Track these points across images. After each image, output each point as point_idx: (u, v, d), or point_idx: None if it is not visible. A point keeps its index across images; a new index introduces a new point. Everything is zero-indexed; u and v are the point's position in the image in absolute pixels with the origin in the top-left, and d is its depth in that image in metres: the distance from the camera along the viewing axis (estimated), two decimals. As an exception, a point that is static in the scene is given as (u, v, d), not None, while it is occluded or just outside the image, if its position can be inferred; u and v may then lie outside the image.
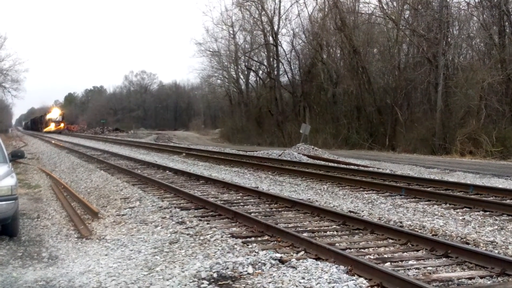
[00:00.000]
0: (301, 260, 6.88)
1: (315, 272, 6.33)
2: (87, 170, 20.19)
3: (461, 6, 37.22)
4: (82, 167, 21.55)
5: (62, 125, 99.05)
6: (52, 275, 7.01)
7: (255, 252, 7.46)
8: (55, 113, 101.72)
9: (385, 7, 41.16)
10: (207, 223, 9.64)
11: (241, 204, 12.04)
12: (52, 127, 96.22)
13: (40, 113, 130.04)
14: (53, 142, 48.65)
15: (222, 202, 12.07)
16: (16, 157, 11.17)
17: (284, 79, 55.69)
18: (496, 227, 9.20)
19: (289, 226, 9.54)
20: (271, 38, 53.95)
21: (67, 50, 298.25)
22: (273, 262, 6.88)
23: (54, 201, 13.92)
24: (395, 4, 41.33)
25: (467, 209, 11.01)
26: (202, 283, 6.26)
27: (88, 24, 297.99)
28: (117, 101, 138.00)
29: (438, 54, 34.40)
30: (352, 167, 20.20)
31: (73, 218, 11.02)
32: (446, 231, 8.75)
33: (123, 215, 11.07)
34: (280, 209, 11.30)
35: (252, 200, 12.60)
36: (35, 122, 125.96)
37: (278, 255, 7.15)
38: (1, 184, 8.75)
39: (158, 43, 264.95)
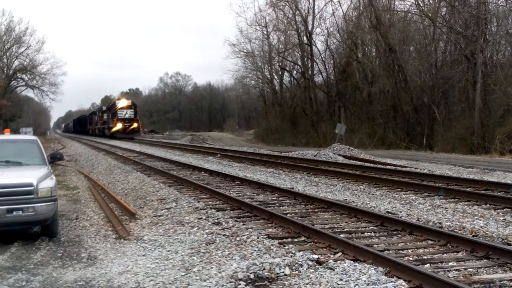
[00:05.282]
0: (338, 262, 6.81)
1: (353, 273, 6.25)
2: (124, 172, 20.44)
3: (499, 2, 36.48)
4: (119, 169, 21.83)
5: (135, 124, 63.00)
6: (91, 275, 7.10)
7: (292, 253, 7.42)
8: (124, 106, 63.23)
9: (421, 4, 40.61)
10: (243, 224, 9.64)
11: (277, 205, 12.00)
12: (119, 127, 61.32)
13: (77, 115, 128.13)
14: (90, 144, 49.42)
15: (257, 203, 12.05)
16: (55, 159, 11.40)
17: (318, 79, 55.56)
18: (540, 228, 8.96)
19: (326, 227, 9.46)
20: (305, 38, 53.79)
21: (103, 53, 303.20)
22: (310, 263, 6.83)
23: (92, 202, 14.12)
24: (431, 1, 40.75)
25: (508, 209, 10.75)
26: (239, 284, 6.26)
27: (123, 27, 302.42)
28: (152, 103, 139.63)
29: (476, 52, 33.76)
30: (389, 167, 19.95)
31: (111, 219, 11.15)
32: (487, 232, 8.56)
33: (159, 216, 11.16)
34: (316, 210, 11.23)
35: (287, 201, 12.55)
36: (81, 122, 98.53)
37: (315, 256, 7.10)
38: (40, 186, 8.91)
39: (192, 44, 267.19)
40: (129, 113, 62.18)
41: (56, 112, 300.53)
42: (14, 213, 8.64)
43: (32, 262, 7.94)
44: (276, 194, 13.51)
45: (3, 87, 67.23)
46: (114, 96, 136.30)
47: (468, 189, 13.45)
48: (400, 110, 41.86)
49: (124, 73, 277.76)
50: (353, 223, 9.83)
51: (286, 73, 62.14)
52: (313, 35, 53.34)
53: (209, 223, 9.80)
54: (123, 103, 63.50)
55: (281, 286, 6.19)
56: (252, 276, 6.48)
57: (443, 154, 31.49)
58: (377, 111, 44.63)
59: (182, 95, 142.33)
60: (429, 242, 8.20)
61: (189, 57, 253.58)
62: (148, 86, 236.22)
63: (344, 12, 51.25)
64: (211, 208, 11.38)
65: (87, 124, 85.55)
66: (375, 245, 8.04)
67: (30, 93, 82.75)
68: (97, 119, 74.26)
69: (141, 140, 55.94)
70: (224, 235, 8.77)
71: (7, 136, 11.94)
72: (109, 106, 68.40)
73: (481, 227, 8.98)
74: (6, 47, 71.26)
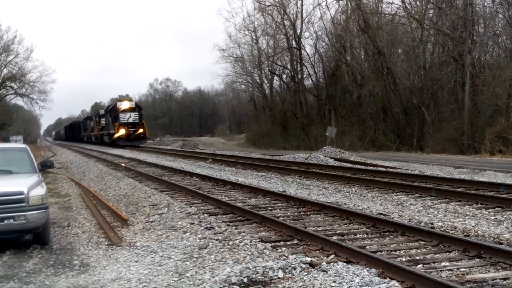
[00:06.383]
0: (331, 264, 6.82)
1: (346, 275, 6.27)
2: (115, 178, 20.37)
3: (485, 4, 36.88)
4: (110, 175, 21.75)
5: (141, 129, 54.87)
6: (84, 282, 7.07)
7: (285, 256, 7.43)
8: (127, 109, 55.15)
9: (408, 7, 40.90)
10: (236, 228, 9.64)
11: (269, 208, 12.01)
12: (122, 133, 53.05)
13: (67, 122, 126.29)
14: (80, 151, 49.20)
15: (250, 207, 12.05)
16: (45, 167, 11.33)
17: (308, 82, 55.77)
18: (530, 226, 9.02)
19: (318, 229, 9.48)
20: (294, 42, 53.98)
21: (92, 60, 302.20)
22: (303, 266, 6.84)
23: (84, 209, 14.06)
24: (418, 3, 41.01)
25: (499, 208, 10.83)
26: (233, 288, 6.25)
27: (112, 34, 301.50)
28: (143, 109, 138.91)
29: (464, 53, 33.99)
30: (380, 169, 20.03)
31: (103, 226, 11.10)
32: (479, 232, 8.61)
33: (152, 221, 11.13)
34: (308, 213, 11.25)
35: (280, 204, 12.56)
36: (73, 129, 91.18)
37: (308, 259, 7.11)
38: (31, 194, 8.86)
39: (182, 49, 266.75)
40: (133, 117, 54.12)
41: (46, 120, 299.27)
42: (5, 221, 8.59)
43: (25, 270, 7.89)
44: (268, 198, 13.51)
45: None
46: (104, 103, 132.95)
47: (459, 189, 13.52)
48: (390, 112, 42.05)
49: (113, 79, 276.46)
50: (345, 225, 9.85)
51: (276, 77, 62.38)
52: (302, 39, 53.67)
53: (202, 228, 9.79)
54: (125, 105, 55.52)
55: (274, 290, 6.19)
56: (245, 280, 6.48)
57: (433, 155, 31.66)
58: (367, 113, 44.81)
59: (173, 101, 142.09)
60: (421, 242, 8.24)
61: (179, 63, 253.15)
62: (138, 92, 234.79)
63: (332, 15, 51.54)
64: (203, 213, 11.37)
65: (81, 131, 78.75)
66: (367, 247, 8.06)
67: (19, 101, 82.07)
68: (93, 124, 66.23)
69: (132, 146, 55.54)
70: (217, 240, 8.76)
71: (-3, 144, 11.88)
72: (108, 108, 59.86)
73: (472, 226, 9.03)
74: (-6, 56, 70.82)
